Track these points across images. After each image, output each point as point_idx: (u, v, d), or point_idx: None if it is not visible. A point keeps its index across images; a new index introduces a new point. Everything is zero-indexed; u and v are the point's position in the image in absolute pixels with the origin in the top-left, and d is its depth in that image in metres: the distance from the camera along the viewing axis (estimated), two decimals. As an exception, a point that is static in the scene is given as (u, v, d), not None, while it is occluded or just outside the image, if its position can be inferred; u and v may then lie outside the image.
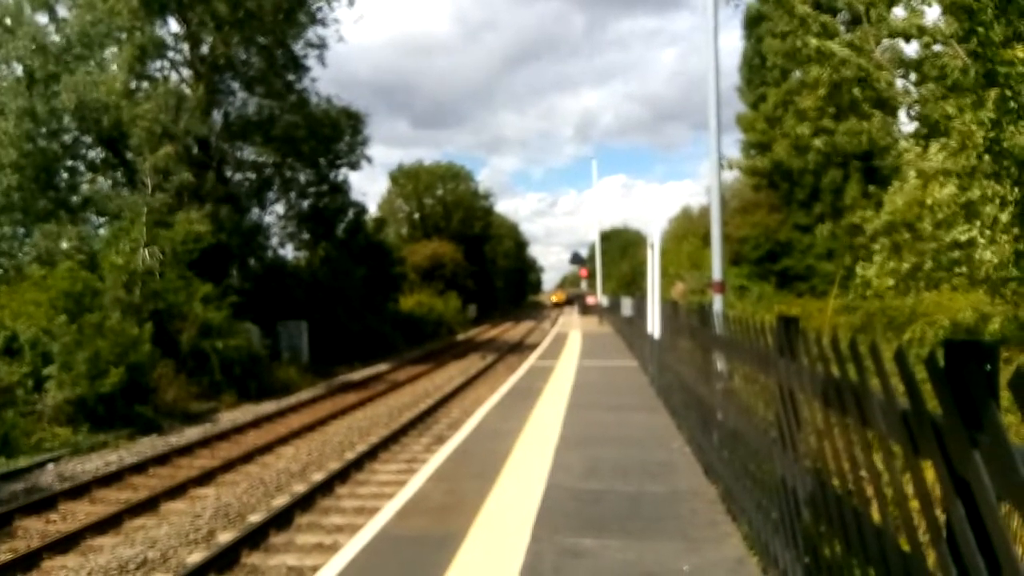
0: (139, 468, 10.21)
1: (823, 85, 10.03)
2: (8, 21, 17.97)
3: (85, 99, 17.47)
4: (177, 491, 8.98)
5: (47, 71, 17.70)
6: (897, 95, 9.78)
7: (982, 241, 7.81)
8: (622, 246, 58.16)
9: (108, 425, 12.40)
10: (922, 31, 8.93)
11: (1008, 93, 6.20)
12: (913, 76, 9.73)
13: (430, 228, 56.71)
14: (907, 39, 9.40)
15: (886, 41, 9.82)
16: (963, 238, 8.15)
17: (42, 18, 19.10)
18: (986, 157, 6.82)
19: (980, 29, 6.22)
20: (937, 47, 8.99)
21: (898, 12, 9.69)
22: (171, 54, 21.92)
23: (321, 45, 24.35)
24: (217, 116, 22.71)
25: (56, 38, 18.70)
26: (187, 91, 21.26)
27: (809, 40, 9.45)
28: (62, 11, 19.31)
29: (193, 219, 17.87)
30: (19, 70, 18.12)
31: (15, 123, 16.72)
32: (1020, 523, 1.95)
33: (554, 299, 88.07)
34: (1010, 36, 6.29)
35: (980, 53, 6.38)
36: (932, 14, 8.92)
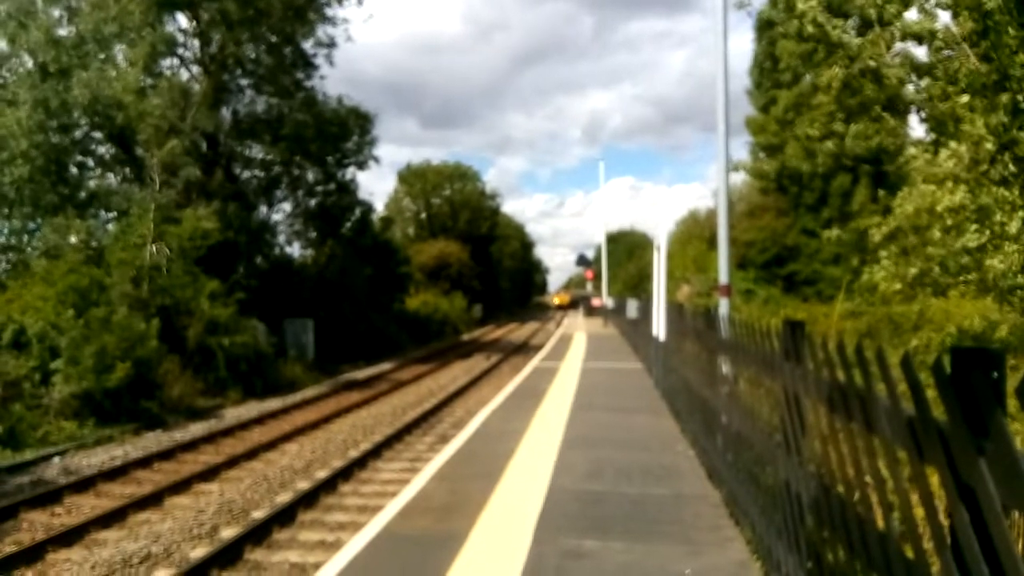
0: (144, 463, 10.26)
1: (835, 79, 9.97)
2: (22, 18, 18.05)
3: (98, 95, 17.55)
4: (181, 486, 9.01)
5: (60, 64, 17.79)
6: (908, 95, 9.75)
7: (991, 247, 7.77)
8: (628, 248, 58.06)
9: (114, 420, 12.46)
10: (933, 34, 8.90)
11: (1020, 98, 6.17)
12: (924, 82, 9.70)
13: (437, 228, 56.71)
14: (919, 41, 9.36)
15: (898, 45, 9.79)
16: (973, 244, 8.12)
17: (55, 11, 19.21)
18: (997, 160, 6.78)
19: (991, 26, 6.17)
20: (947, 52, 8.96)
21: (910, 16, 9.66)
22: (181, 51, 22.03)
23: (330, 44, 24.43)
24: (226, 113, 22.79)
25: (69, 29, 18.79)
26: (195, 87, 21.34)
27: (814, 30, 9.38)
28: (74, 2, 19.41)
29: (201, 216, 17.93)
30: (31, 63, 18.22)
31: (28, 113, 16.78)
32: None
33: (557, 301, 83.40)
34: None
35: (992, 56, 6.34)
36: (944, 18, 8.89)
